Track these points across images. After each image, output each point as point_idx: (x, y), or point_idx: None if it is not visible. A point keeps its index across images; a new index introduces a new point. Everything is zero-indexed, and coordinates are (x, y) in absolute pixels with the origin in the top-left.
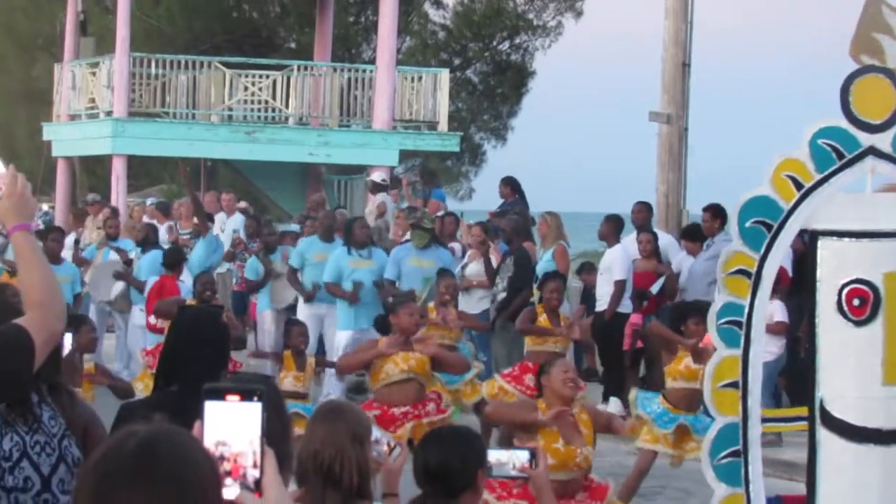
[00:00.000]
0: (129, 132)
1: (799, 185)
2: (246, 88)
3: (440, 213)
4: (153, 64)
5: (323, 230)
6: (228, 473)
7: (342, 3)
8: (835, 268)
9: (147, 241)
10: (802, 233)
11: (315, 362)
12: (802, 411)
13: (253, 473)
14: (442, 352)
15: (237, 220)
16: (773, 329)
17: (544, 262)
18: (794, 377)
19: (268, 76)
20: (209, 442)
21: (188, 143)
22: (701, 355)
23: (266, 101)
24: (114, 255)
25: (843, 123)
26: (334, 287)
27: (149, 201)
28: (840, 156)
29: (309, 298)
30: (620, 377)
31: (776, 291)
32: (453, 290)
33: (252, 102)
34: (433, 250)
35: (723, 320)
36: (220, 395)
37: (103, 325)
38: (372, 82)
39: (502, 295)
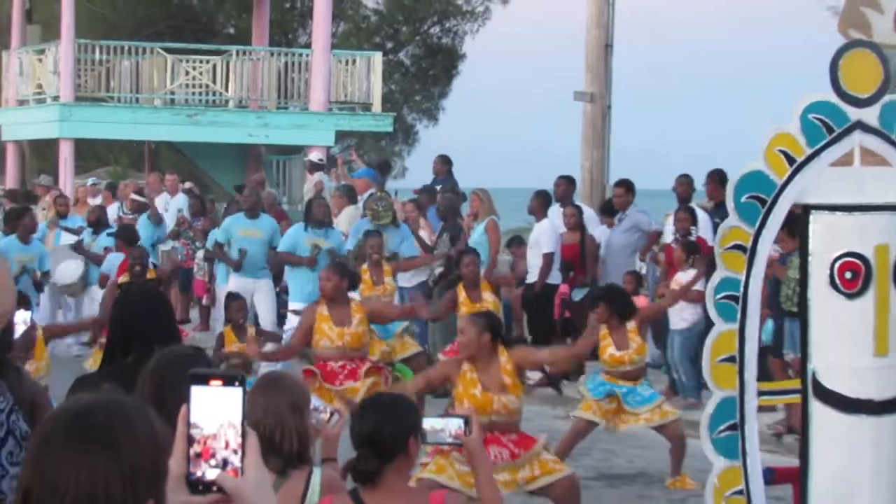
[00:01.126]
0: (75, 116)
1: (791, 160)
2: (187, 73)
3: (373, 191)
4: (97, 50)
5: (248, 207)
6: (199, 455)
7: None
8: (827, 241)
9: (99, 222)
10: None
11: (255, 332)
12: (796, 384)
13: (231, 455)
14: (376, 307)
15: (181, 200)
16: (692, 297)
17: (476, 236)
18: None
19: (208, 61)
20: (203, 426)
21: (132, 126)
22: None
23: (206, 85)
24: (66, 237)
25: (833, 98)
26: (289, 255)
27: (90, 181)
28: (830, 130)
29: (238, 267)
30: (549, 345)
31: (696, 262)
32: (379, 249)
33: (193, 86)
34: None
35: (720, 295)
36: (204, 380)
37: (57, 304)
38: (308, 66)
39: (440, 269)
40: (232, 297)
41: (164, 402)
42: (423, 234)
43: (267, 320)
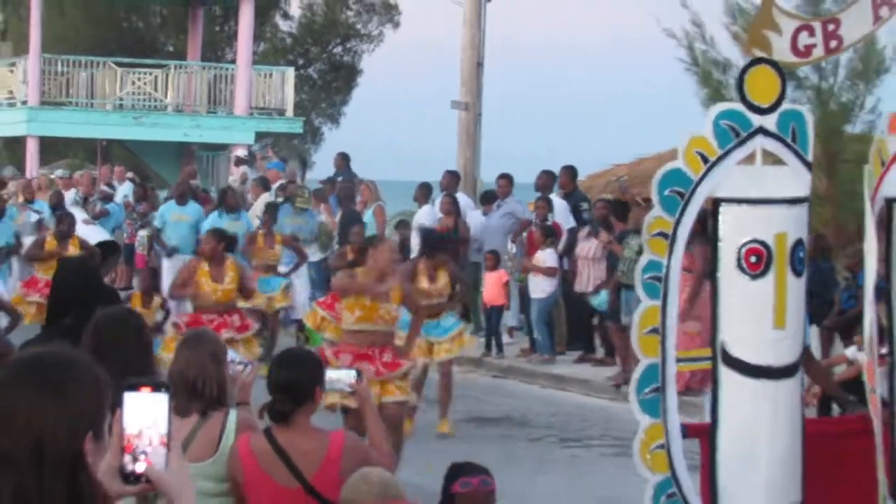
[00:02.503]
0: (40, 118)
1: (705, 159)
2: (133, 83)
3: (282, 181)
4: (60, 63)
5: (177, 195)
6: (123, 450)
7: (210, 14)
8: (734, 230)
9: (58, 204)
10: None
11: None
12: (707, 352)
13: (157, 450)
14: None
15: (127, 188)
16: (547, 272)
17: (366, 219)
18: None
19: (151, 73)
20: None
21: (88, 126)
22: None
23: (149, 93)
24: (33, 216)
25: (739, 107)
26: None
27: (57, 172)
28: (737, 134)
29: (170, 254)
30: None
31: (550, 242)
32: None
33: (138, 94)
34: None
35: (646, 276)
36: (135, 387)
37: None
38: (233, 77)
39: (337, 246)
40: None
41: (104, 355)
42: (325, 217)
43: None
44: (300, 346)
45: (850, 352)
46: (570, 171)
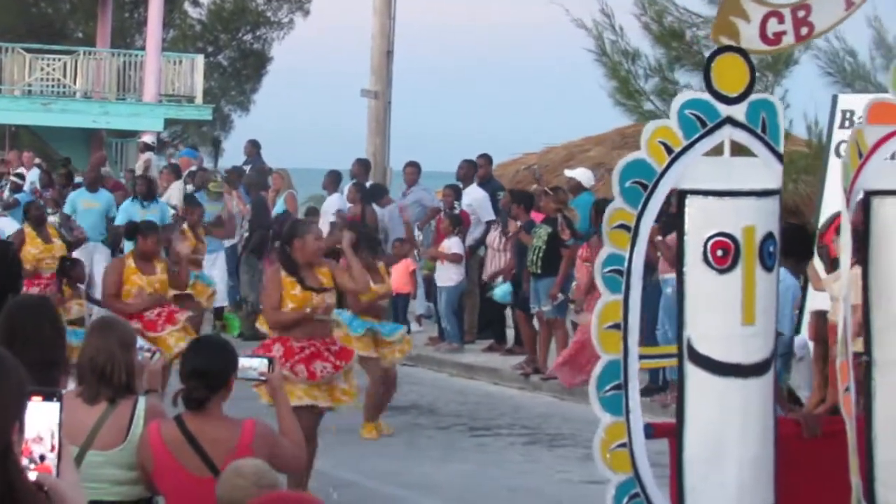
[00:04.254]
0: None
1: (669, 150)
2: (42, 69)
3: (193, 168)
4: None
5: (89, 182)
6: (21, 454)
7: (119, 1)
8: (700, 223)
9: None
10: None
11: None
12: (672, 349)
13: (48, 455)
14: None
15: (34, 174)
16: (452, 259)
17: (278, 207)
18: None
19: (60, 59)
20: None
21: None
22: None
23: (58, 79)
24: None
25: (706, 96)
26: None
27: None
28: (703, 124)
29: (79, 243)
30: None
31: (457, 231)
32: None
33: (47, 80)
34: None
35: (607, 269)
36: (27, 395)
37: None
38: (143, 64)
39: (247, 234)
40: (69, 260)
41: (17, 343)
42: (235, 204)
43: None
44: (216, 335)
45: None
46: (486, 160)
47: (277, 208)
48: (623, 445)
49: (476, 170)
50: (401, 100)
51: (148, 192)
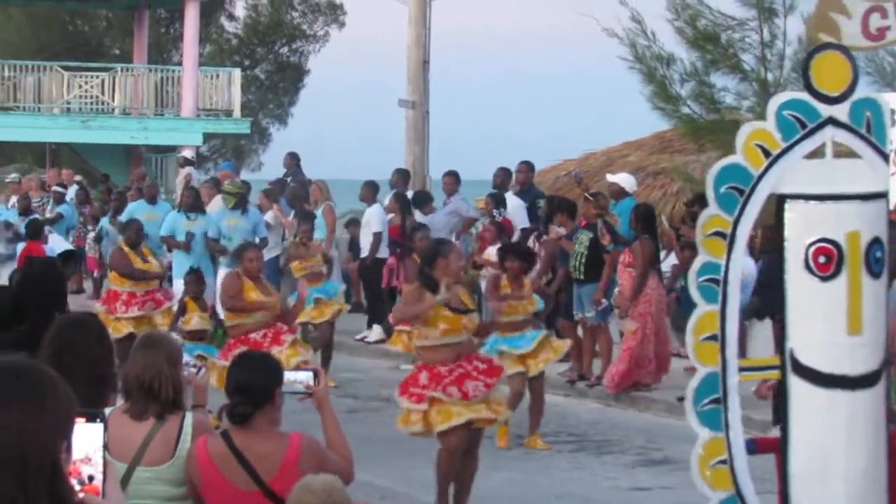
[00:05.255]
0: None
1: (767, 153)
2: (80, 86)
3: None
4: (6, 68)
5: (149, 195)
6: (69, 474)
7: (155, 17)
8: (801, 228)
9: (27, 209)
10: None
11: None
12: (775, 361)
13: (97, 477)
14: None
15: (73, 191)
16: (495, 266)
17: (316, 220)
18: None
19: (97, 76)
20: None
21: (36, 130)
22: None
23: (97, 96)
24: None
25: (805, 96)
26: (170, 239)
27: (11, 176)
28: (803, 125)
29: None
30: (381, 309)
31: (502, 238)
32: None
33: (85, 97)
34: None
35: (702, 278)
36: None
37: None
38: (180, 79)
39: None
40: (189, 272)
41: (61, 361)
42: (270, 216)
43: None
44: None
45: None
46: (528, 167)
47: (316, 221)
48: (723, 462)
49: (511, 177)
50: (438, 108)
51: (194, 203)
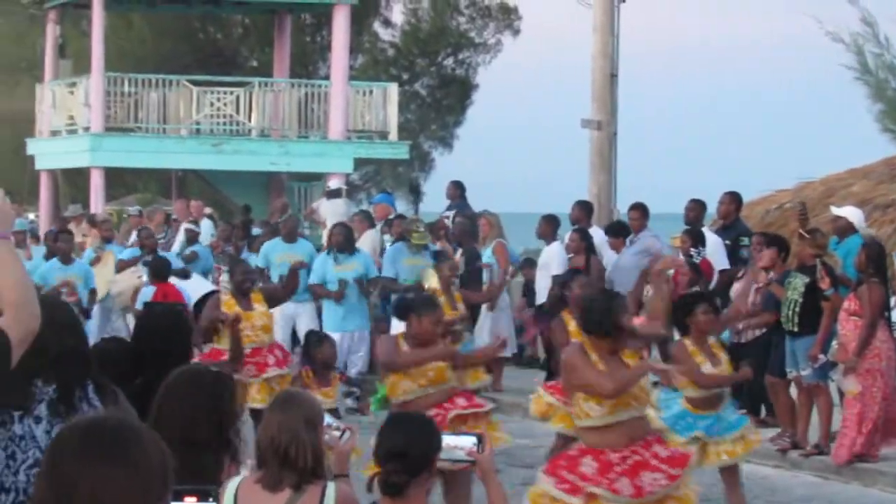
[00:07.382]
0: (105, 146)
1: None
2: (212, 104)
3: (391, 216)
4: (126, 82)
5: (286, 233)
6: None
7: (299, 23)
8: None
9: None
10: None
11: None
12: None
13: None
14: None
15: (206, 225)
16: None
17: (485, 258)
18: None
19: (231, 92)
20: None
21: (160, 155)
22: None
23: (230, 115)
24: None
25: None
26: (319, 288)
27: (132, 209)
28: None
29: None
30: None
31: (699, 283)
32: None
33: (217, 116)
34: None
35: None
36: (179, 497)
37: (106, 322)
38: (327, 96)
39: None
40: (316, 336)
41: (171, 420)
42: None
43: None
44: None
45: None
46: (732, 198)
47: (485, 259)
48: None
49: (705, 210)
50: (627, 131)
51: (346, 242)
